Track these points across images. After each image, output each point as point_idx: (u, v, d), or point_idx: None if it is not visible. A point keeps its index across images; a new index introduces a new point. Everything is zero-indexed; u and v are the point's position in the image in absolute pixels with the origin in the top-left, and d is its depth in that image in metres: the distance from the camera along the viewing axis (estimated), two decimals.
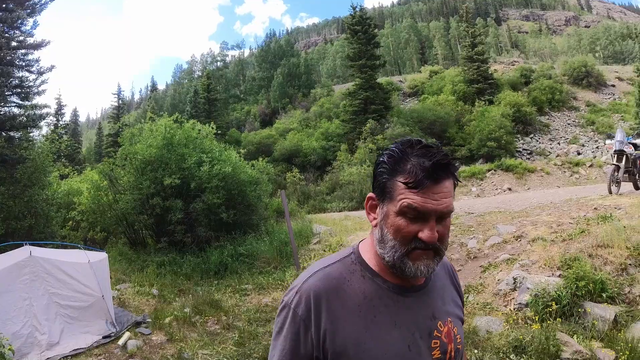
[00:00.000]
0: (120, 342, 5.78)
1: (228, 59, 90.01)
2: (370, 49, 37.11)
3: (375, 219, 1.27)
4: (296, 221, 11.83)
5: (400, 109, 39.93)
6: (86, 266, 6.14)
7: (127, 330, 6.08)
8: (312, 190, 25.94)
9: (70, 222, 12.38)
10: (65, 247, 8.44)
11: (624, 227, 6.58)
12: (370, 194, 1.29)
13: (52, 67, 12.96)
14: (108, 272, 6.63)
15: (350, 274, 1.28)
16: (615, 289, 5.43)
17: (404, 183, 1.16)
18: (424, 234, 1.16)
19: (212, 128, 11.76)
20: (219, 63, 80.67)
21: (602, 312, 5.07)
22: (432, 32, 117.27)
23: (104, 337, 5.90)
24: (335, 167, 28.58)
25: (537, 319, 5.09)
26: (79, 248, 6.94)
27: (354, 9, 38.49)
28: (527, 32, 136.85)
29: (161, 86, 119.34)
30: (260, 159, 13.71)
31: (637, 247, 6.10)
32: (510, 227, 8.47)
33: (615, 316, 5.02)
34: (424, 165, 1.15)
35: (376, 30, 40.45)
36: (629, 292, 5.47)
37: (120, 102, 55.08)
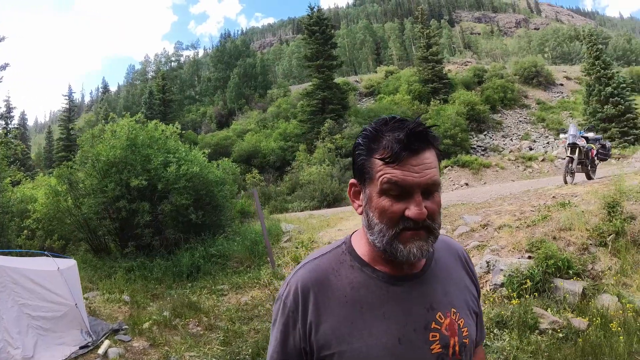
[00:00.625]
0: (100, 350, 5.58)
1: (182, 59, 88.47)
2: (328, 50, 37.41)
3: (360, 205, 1.20)
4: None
5: (358, 108, 40.47)
6: (56, 274, 5.86)
7: (106, 338, 5.90)
8: (273, 190, 25.90)
9: (25, 231, 11.83)
10: (31, 254, 8.07)
11: (582, 211, 7.15)
12: (352, 180, 1.23)
13: (6, 65, 12.25)
14: (79, 280, 6.36)
15: (339, 264, 1.23)
16: (580, 266, 5.99)
17: (380, 159, 1.09)
18: (411, 211, 1.08)
19: (177, 128, 11.53)
20: (173, 63, 79.20)
21: (571, 287, 5.57)
22: (387, 33, 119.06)
23: (81, 348, 5.65)
24: (295, 167, 28.62)
25: (514, 296, 5.44)
26: (46, 255, 6.64)
27: (312, 9, 38.69)
28: (479, 34, 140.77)
29: (113, 87, 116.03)
30: (226, 159, 13.58)
31: (596, 229, 6.71)
32: (476, 217, 8.81)
33: (583, 289, 5.54)
34: (399, 137, 1.08)
35: (332, 31, 40.60)
36: (591, 268, 6.08)
37: (71, 104, 53.10)
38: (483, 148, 35.76)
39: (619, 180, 7.99)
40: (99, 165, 10.16)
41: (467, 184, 22.86)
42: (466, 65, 60.38)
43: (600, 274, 5.98)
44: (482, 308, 5.28)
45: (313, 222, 11.07)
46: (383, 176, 1.09)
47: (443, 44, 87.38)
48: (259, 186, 26.28)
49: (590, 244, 6.53)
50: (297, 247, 8.85)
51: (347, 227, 10.05)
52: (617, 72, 37.48)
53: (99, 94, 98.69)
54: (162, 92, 48.36)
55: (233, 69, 60.67)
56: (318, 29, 37.58)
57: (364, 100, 50.49)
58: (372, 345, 1.13)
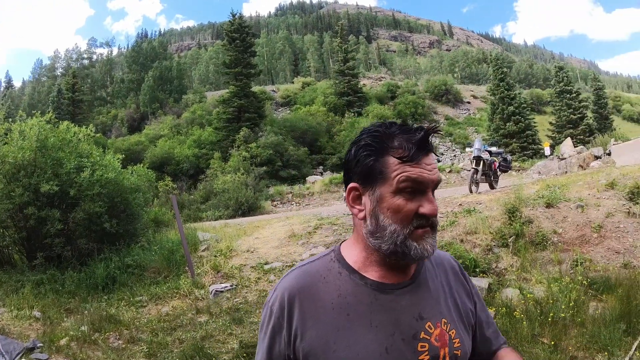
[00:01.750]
0: None
1: (95, 57, 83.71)
2: (247, 58, 37.10)
3: (361, 210, 1.19)
4: (176, 230, 11.62)
5: (274, 117, 40.62)
6: None
7: (21, 357, 5.69)
8: (186, 199, 25.30)
9: None
10: None
11: (486, 217, 8.04)
12: (352, 185, 1.19)
13: None
14: None
15: (327, 271, 1.22)
16: (486, 265, 6.82)
17: (398, 158, 1.11)
18: (426, 208, 1.12)
19: (91, 131, 10.98)
20: (85, 61, 74.93)
21: (478, 283, 6.22)
22: (307, 45, 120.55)
23: None
24: (209, 176, 27.92)
25: None
26: None
27: (234, 16, 38.23)
28: (394, 51, 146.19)
29: (17, 82, 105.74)
30: (140, 165, 13.15)
31: (498, 232, 7.59)
32: None
33: (489, 285, 6.27)
34: (415, 138, 1.12)
35: (253, 39, 40.53)
36: (496, 266, 6.91)
37: None
38: None
39: (519, 189, 9.00)
40: (4, 169, 9.37)
41: None
42: (380, 81, 62.82)
43: (504, 271, 6.80)
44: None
45: (229, 231, 10.98)
46: (401, 174, 1.10)
47: (360, 59, 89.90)
48: (172, 194, 25.54)
49: (494, 245, 7.38)
50: (215, 256, 8.73)
51: (264, 235, 10.12)
52: (519, 94, 41.03)
53: (2, 89, 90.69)
54: (71, 91, 45.68)
55: (148, 71, 58.14)
56: (239, 36, 37.28)
57: (280, 110, 50.88)
58: (358, 353, 1.11)
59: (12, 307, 7.23)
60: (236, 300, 6.98)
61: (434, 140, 1.23)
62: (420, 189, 1.12)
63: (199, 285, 7.67)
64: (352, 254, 1.23)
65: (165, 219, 14.30)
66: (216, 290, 7.31)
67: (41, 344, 5.90)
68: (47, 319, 6.80)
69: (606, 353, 4.54)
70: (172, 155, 33.50)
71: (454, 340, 1.20)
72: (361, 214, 1.18)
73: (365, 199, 1.17)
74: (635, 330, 4.83)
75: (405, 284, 1.21)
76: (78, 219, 9.14)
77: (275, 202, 23.41)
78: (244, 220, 14.35)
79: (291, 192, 24.39)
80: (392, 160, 1.11)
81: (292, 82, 67.20)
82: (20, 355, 5.65)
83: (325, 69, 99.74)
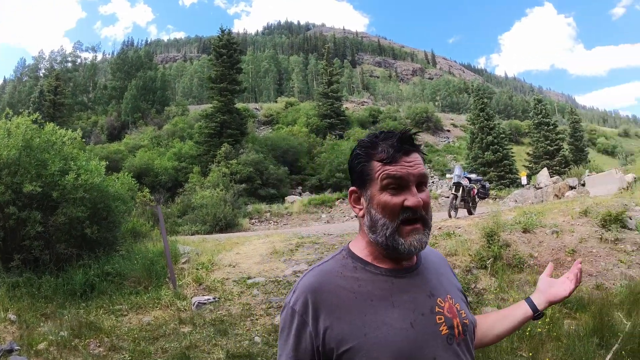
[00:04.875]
0: None
1: (80, 61, 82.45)
2: (233, 74, 37.09)
3: (361, 209, 1.36)
4: (154, 242, 11.49)
5: (256, 135, 40.58)
6: None
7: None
8: (163, 211, 24.84)
9: None
10: None
11: (466, 240, 8.39)
12: (352, 188, 1.39)
13: None
14: None
15: (342, 267, 1.34)
16: (465, 285, 7.05)
17: (379, 161, 1.28)
18: (409, 201, 1.26)
19: (78, 135, 10.86)
20: (69, 64, 73.77)
21: None
22: (292, 65, 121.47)
23: None
24: (187, 189, 27.70)
25: None
26: None
27: (223, 31, 38.33)
28: (378, 77, 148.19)
29: None
30: (126, 173, 13.01)
31: (477, 254, 7.93)
32: None
33: (468, 303, 6.47)
34: (392, 143, 1.28)
35: (240, 56, 40.63)
36: (475, 287, 7.18)
37: None
38: None
39: (497, 215, 9.33)
40: None
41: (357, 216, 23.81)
42: (363, 105, 63.76)
43: (482, 291, 7.05)
44: None
45: (209, 246, 10.88)
46: (382, 173, 1.27)
47: (343, 82, 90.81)
48: (149, 206, 25.26)
49: (473, 267, 7.69)
50: (197, 269, 8.69)
51: (245, 251, 10.08)
52: (498, 124, 41.97)
53: None
54: (53, 94, 44.92)
55: (132, 80, 57.56)
56: (226, 52, 37.34)
57: (262, 128, 50.94)
58: (387, 332, 1.23)
59: None
60: (220, 312, 6.94)
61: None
62: (403, 184, 1.28)
63: (180, 297, 7.59)
64: (360, 249, 1.38)
65: (143, 230, 14.10)
66: (199, 302, 7.25)
67: (18, 347, 5.80)
68: (23, 322, 6.63)
69: None
70: (151, 166, 33.09)
71: (460, 312, 1.39)
72: (360, 212, 1.37)
73: (362, 199, 1.36)
74: (608, 344, 5.07)
75: (414, 268, 1.37)
76: (59, 223, 8.87)
77: (253, 220, 23.34)
78: (221, 236, 14.26)
79: (269, 211, 24.37)
80: (376, 164, 1.30)
81: (276, 101, 67.50)
82: None
83: (309, 90, 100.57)
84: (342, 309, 1.26)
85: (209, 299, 7.38)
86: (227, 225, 20.34)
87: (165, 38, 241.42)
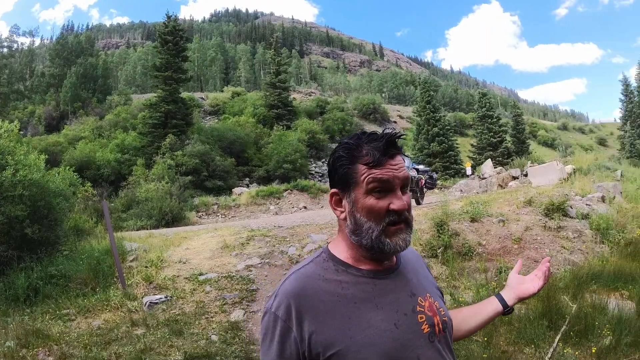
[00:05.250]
0: None
1: (16, 46, 77.92)
2: (178, 62, 35.94)
3: (342, 212, 1.35)
4: (98, 240, 11.00)
5: (201, 126, 39.60)
6: None
7: None
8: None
9: None
10: None
11: (416, 230, 8.50)
12: (333, 190, 1.37)
13: None
14: None
15: (324, 270, 1.33)
16: None
17: (365, 164, 1.27)
18: (395, 204, 1.27)
19: (15, 127, 10.15)
20: (4, 49, 69.63)
21: None
22: (239, 54, 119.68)
23: None
24: (131, 183, 26.31)
25: None
26: None
27: (169, 17, 36.99)
28: (326, 68, 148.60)
29: None
30: (67, 167, 12.34)
31: (428, 243, 8.19)
32: (323, 236, 9.62)
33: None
34: (378, 146, 1.28)
35: (186, 44, 39.54)
36: None
37: None
38: (321, 174, 37.77)
39: (445, 205, 9.60)
40: None
41: (305, 207, 23.79)
42: (311, 96, 63.63)
43: (434, 279, 7.20)
44: None
45: (156, 242, 10.49)
46: (368, 176, 1.27)
47: (291, 72, 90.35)
48: (92, 201, 24.23)
49: (424, 256, 7.76)
50: (146, 267, 8.37)
51: (195, 246, 9.84)
52: (444, 116, 42.94)
53: None
54: None
55: (72, 67, 54.27)
56: (172, 39, 36.13)
57: (208, 118, 49.97)
58: (373, 334, 1.24)
59: None
60: (173, 311, 6.72)
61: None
62: (388, 187, 1.28)
63: (131, 297, 7.28)
64: (341, 251, 1.38)
65: (86, 227, 13.44)
66: (150, 302, 6.99)
67: None
68: None
69: (533, 346, 5.04)
70: (93, 159, 31.48)
71: (439, 309, 1.41)
72: (342, 215, 1.36)
73: (345, 202, 1.35)
74: (557, 326, 5.39)
75: (394, 268, 1.39)
76: None
77: (200, 214, 22.82)
78: (169, 230, 13.82)
79: (217, 204, 23.89)
80: (361, 167, 1.29)
81: (222, 91, 66.17)
82: None
83: (256, 80, 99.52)
84: (327, 313, 1.26)
85: (161, 298, 7.14)
86: (173, 219, 19.73)
87: (107, 23, 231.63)
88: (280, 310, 1.27)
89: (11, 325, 6.40)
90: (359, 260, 1.35)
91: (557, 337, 5.06)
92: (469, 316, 1.67)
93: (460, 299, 6.22)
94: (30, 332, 6.05)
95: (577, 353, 4.82)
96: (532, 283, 1.69)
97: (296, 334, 1.24)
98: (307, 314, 1.25)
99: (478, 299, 6.13)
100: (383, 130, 1.35)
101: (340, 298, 1.28)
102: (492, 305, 1.68)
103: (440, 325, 1.37)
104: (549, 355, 4.80)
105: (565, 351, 4.86)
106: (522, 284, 1.70)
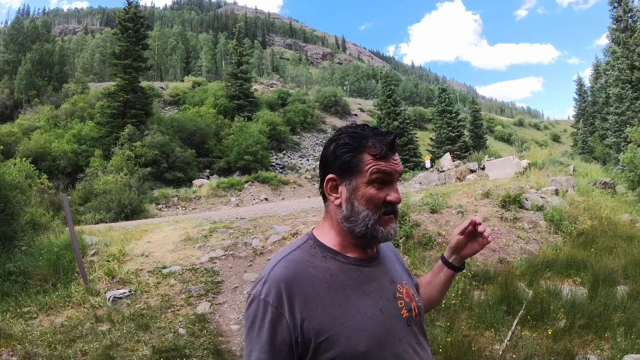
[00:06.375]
0: None
1: None
2: (138, 50, 34.94)
3: (338, 198, 1.38)
4: (57, 234, 10.71)
5: (161, 116, 38.77)
6: None
7: None
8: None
9: None
10: None
11: None
12: (331, 176, 1.39)
13: None
14: None
15: (312, 257, 1.37)
16: None
17: (372, 155, 1.34)
18: (392, 196, 1.35)
19: None
20: None
21: None
22: (201, 43, 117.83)
23: None
24: (89, 175, 25.52)
25: None
26: None
27: (130, 3, 35.71)
28: (288, 59, 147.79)
29: None
30: (22, 159, 11.92)
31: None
32: (286, 227, 9.69)
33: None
34: (386, 140, 1.35)
35: (146, 32, 38.58)
36: None
37: None
38: (282, 166, 37.81)
39: (405, 196, 9.75)
40: None
41: (266, 199, 23.82)
42: (272, 87, 63.43)
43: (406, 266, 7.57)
44: None
45: (117, 235, 10.27)
46: (374, 167, 1.33)
47: (253, 63, 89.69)
48: (47, 194, 23.40)
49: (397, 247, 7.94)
50: (108, 261, 8.24)
51: (156, 239, 9.71)
52: (404, 110, 43.41)
53: None
54: None
55: (27, 53, 51.33)
56: (132, 26, 34.98)
57: (168, 108, 49.02)
58: (362, 319, 1.30)
59: None
60: (138, 306, 6.64)
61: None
62: (388, 180, 1.36)
63: (93, 293, 7.16)
64: (329, 238, 1.42)
65: (43, 221, 13.03)
66: (114, 297, 6.89)
67: None
68: None
69: (492, 329, 5.33)
70: (49, 150, 30.34)
71: (414, 296, 1.51)
72: (337, 201, 1.39)
73: (342, 188, 1.38)
74: (514, 311, 5.71)
75: (376, 257, 1.47)
76: None
77: (160, 206, 22.45)
78: (128, 224, 13.58)
79: (177, 196, 23.56)
80: (367, 157, 1.34)
81: (183, 81, 64.84)
82: None
83: (218, 70, 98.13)
84: (318, 299, 1.29)
85: (125, 293, 7.05)
86: (133, 212, 19.32)
87: (65, 8, 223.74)
88: (270, 296, 1.28)
89: None
90: (346, 248, 1.41)
91: (515, 321, 5.34)
92: (425, 284, 1.74)
93: None
94: None
95: (534, 335, 5.10)
96: (472, 245, 1.66)
97: (288, 320, 1.26)
98: (298, 300, 1.27)
99: None
100: (377, 127, 1.43)
101: (329, 285, 1.32)
102: (443, 272, 1.71)
103: (416, 310, 1.47)
104: (508, 337, 5.08)
105: (523, 334, 5.13)
106: (465, 244, 1.67)
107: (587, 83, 50.25)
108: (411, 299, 1.47)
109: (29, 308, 6.77)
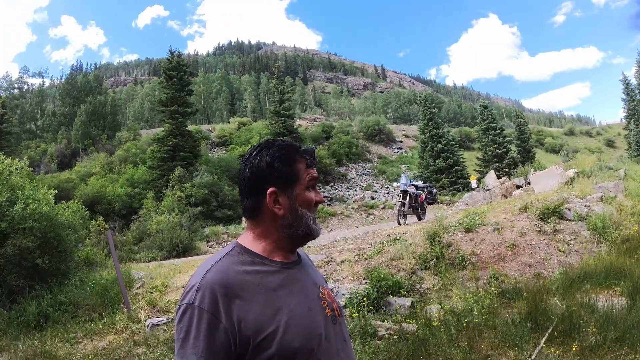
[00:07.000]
0: None
1: (26, 87, 77.94)
2: (183, 96, 36.45)
3: (280, 209, 1.49)
4: (109, 271, 11.30)
5: (209, 157, 39.87)
6: None
7: None
8: (118, 240, 24.23)
9: None
10: None
11: (410, 244, 8.83)
12: (272, 189, 1.47)
13: None
14: None
15: (241, 263, 1.44)
16: (409, 286, 7.52)
17: (306, 164, 1.54)
18: (319, 197, 1.57)
19: (25, 164, 10.69)
20: (15, 90, 70.36)
21: (402, 302, 6.94)
22: (244, 85, 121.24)
23: None
24: (142, 216, 26.62)
25: (354, 311, 6.48)
26: None
27: (172, 53, 37.71)
28: (329, 93, 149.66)
29: None
30: (76, 201, 12.72)
31: (421, 256, 8.39)
32: (321, 256, 9.84)
33: (412, 303, 6.95)
34: (309, 151, 1.57)
35: (190, 78, 40.10)
36: (419, 287, 7.65)
37: None
38: (329, 198, 37.90)
39: (441, 218, 9.85)
40: None
41: None
42: (316, 121, 64.10)
43: (427, 290, 7.50)
44: None
45: (164, 270, 10.85)
46: (309, 175, 1.54)
47: (295, 100, 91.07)
48: (104, 234, 24.41)
49: (417, 269, 8.11)
50: (151, 292, 8.74)
51: None
52: (447, 132, 43.13)
53: None
54: (0, 122, 43.14)
55: (81, 106, 55.37)
56: (176, 74, 36.64)
57: (216, 149, 50.35)
58: (294, 317, 1.40)
59: None
60: (173, 331, 6.95)
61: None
62: (314, 184, 1.57)
63: (135, 320, 7.60)
64: (259, 246, 1.52)
65: (97, 259, 13.77)
66: (153, 324, 7.27)
67: None
68: None
69: (516, 348, 5.08)
70: (104, 194, 31.98)
71: (334, 297, 1.66)
72: (281, 212, 1.50)
73: (283, 199, 1.50)
74: (542, 327, 5.44)
75: (299, 261, 1.61)
76: (9, 254, 8.64)
77: (210, 243, 22.99)
78: (179, 260, 14.09)
79: (227, 232, 24.09)
80: (302, 166, 1.53)
81: (229, 122, 66.81)
82: None
83: (262, 109, 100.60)
84: (252, 300, 1.37)
85: (163, 320, 7.41)
86: (184, 250, 19.89)
87: (117, 61, 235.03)
88: (205, 303, 1.32)
89: (21, 347, 6.74)
90: (273, 253, 1.51)
91: (544, 338, 5.13)
92: None
93: (446, 307, 6.43)
94: (38, 353, 6.35)
95: (558, 352, 4.83)
96: None
97: (225, 324, 1.31)
98: (233, 303, 1.34)
99: (466, 305, 6.33)
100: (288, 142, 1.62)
101: (261, 287, 1.40)
102: None
103: (338, 310, 1.61)
104: (533, 356, 4.83)
105: (548, 352, 4.87)
106: None
107: (634, 81, 48.48)
108: (332, 300, 1.60)
109: (76, 334, 7.27)
